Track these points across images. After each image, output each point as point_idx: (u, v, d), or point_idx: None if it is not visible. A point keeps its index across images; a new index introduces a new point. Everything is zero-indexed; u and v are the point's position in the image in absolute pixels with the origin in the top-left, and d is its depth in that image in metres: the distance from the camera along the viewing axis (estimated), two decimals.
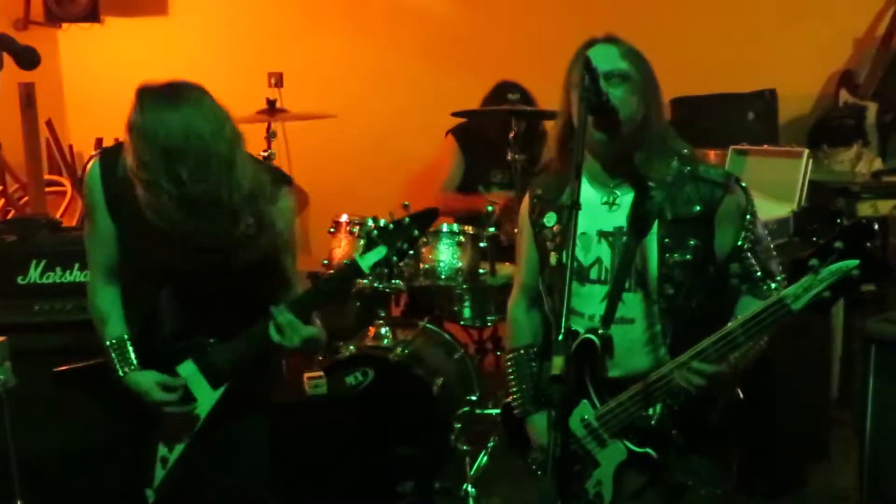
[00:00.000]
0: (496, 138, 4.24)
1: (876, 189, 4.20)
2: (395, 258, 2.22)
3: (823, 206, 4.04)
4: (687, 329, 2.13)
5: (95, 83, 5.31)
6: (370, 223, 3.77)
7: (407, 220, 2.24)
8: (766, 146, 4.32)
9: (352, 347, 3.66)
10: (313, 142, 4.89)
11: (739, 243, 2.16)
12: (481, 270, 3.81)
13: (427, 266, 3.75)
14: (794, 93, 4.68)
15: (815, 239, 1.93)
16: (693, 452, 2.16)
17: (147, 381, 2.28)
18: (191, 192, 2.01)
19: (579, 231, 2.14)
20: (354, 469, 3.34)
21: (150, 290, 2.33)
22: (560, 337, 1.81)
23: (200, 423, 2.33)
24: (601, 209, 2.21)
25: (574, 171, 1.96)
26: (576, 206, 1.91)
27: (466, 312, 3.94)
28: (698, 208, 2.15)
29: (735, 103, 4.64)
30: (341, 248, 3.80)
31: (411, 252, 2.25)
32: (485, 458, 3.67)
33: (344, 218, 3.82)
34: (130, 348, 2.31)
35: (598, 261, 2.20)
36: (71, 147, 5.30)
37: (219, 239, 2.13)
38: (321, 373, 3.38)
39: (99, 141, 4.89)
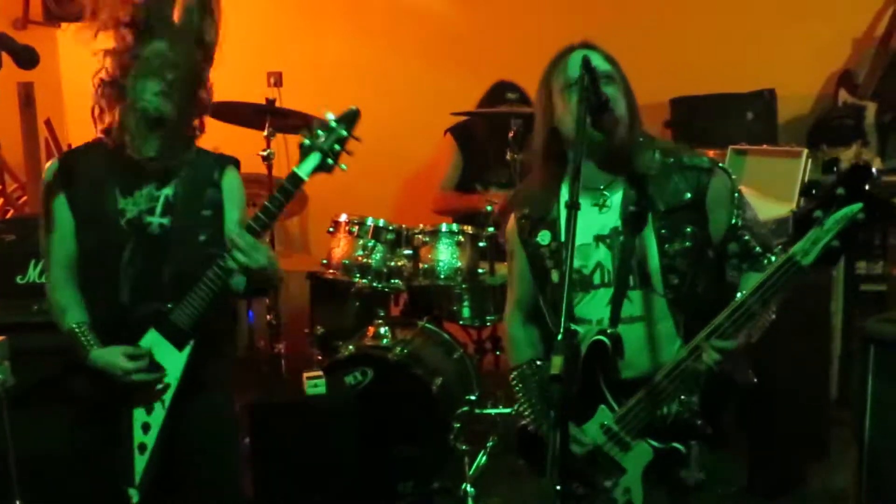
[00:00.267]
0: (494, 138, 4.25)
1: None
2: (329, 161, 2.30)
3: None
4: (697, 316, 2.13)
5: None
6: (369, 222, 3.78)
7: (333, 123, 2.31)
8: (765, 146, 4.32)
9: (351, 347, 3.66)
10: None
11: (734, 222, 2.17)
12: (480, 270, 3.81)
13: (426, 266, 3.75)
14: (794, 93, 4.68)
15: (813, 192, 1.90)
16: (713, 446, 2.15)
17: (112, 353, 2.36)
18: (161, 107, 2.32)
19: (577, 242, 2.15)
20: (354, 469, 3.33)
21: (108, 265, 2.42)
22: (560, 336, 1.81)
23: (174, 388, 2.38)
24: (592, 212, 2.21)
25: (574, 171, 1.96)
26: (575, 206, 1.91)
27: (465, 312, 3.94)
28: (689, 195, 2.16)
29: (734, 103, 4.64)
30: (340, 248, 3.80)
31: (345, 152, 2.33)
32: (484, 458, 3.67)
33: (343, 217, 3.83)
34: (92, 332, 2.41)
35: (599, 265, 2.20)
36: (70, 146, 5.29)
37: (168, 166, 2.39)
38: (320, 373, 3.38)
39: None
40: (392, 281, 3.77)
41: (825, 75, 4.72)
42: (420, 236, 3.79)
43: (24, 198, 4.60)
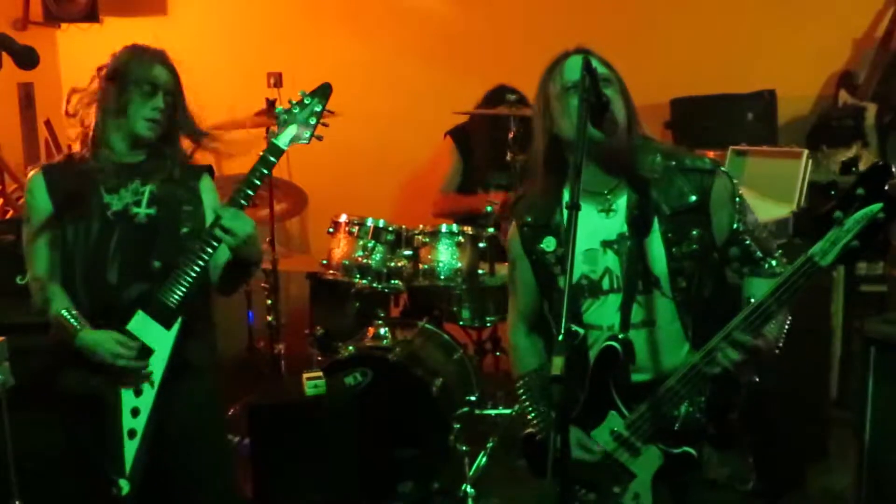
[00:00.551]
0: (494, 140, 4.25)
1: None
2: (306, 133, 2.47)
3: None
4: (705, 319, 2.13)
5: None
6: (369, 223, 3.78)
7: (307, 99, 2.47)
8: (765, 147, 4.32)
9: (351, 348, 3.66)
10: (312, 142, 4.89)
11: (735, 226, 2.17)
12: (480, 271, 3.81)
13: (426, 266, 3.75)
14: (794, 93, 4.68)
15: (832, 193, 1.89)
16: (724, 447, 2.15)
17: (102, 334, 2.41)
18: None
19: (584, 247, 2.16)
20: (354, 470, 3.33)
21: (96, 253, 2.48)
22: (560, 337, 1.80)
23: (163, 368, 2.43)
24: (598, 217, 2.21)
25: (574, 171, 1.95)
26: (576, 207, 1.91)
27: (465, 313, 3.94)
28: (694, 198, 2.16)
29: (734, 104, 4.64)
30: (340, 249, 3.80)
31: (321, 124, 2.49)
32: (484, 459, 3.67)
33: (343, 218, 3.83)
34: (80, 315, 2.44)
35: (608, 271, 2.20)
36: (70, 147, 5.27)
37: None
38: (320, 373, 3.38)
39: None
40: (392, 281, 3.77)
41: (825, 76, 4.72)
42: (420, 237, 3.79)
43: (24, 198, 4.60)
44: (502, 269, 3.77)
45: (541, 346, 2.39)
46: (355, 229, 3.77)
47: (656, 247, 2.16)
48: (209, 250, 2.39)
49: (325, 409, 3.33)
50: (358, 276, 3.75)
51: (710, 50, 4.75)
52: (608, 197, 2.21)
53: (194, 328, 2.50)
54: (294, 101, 2.48)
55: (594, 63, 2.09)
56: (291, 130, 2.46)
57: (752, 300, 2.00)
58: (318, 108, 2.47)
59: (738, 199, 2.19)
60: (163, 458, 2.46)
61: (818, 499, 3.51)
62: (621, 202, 2.20)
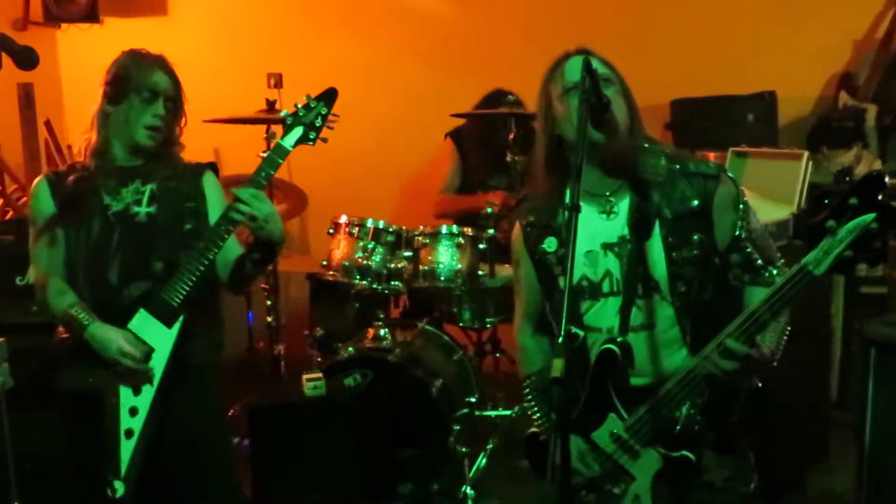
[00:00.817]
0: (488, 142, 4.25)
1: None
2: (311, 134, 2.49)
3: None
4: (704, 324, 2.13)
5: (94, 84, 5.27)
6: (369, 224, 3.77)
7: (313, 102, 2.50)
8: (765, 148, 4.32)
9: (351, 349, 3.66)
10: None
11: (737, 233, 2.16)
12: (480, 272, 3.81)
13: (426, 268, 3.75)
14: (794, 95, 4.68)
15: (826, 202, 1.89)
16: (723, 450, 2.15)
17: (112, 330, 2.40)
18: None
19: (585, 249, 2.16)
20: (353, 471, 3.33)
21: (97, 253, 2.49)
22: (560, 339, 1.80)
23: (162, 368, 2.43)
24: (599, 219, 2.20)
25: (575, 172, 1.96)
26: (576, 208, 1.91)
27: (466, 314, 3.94)
28: (696, 203, 2.16)
29: (735, 105, 4.64)
30: (340, 249, 3.79)
31: (327, 127, 2.51)
32: (484, 460, 3.67)
33: (343, 219, 3.82)
34: (87, 309, 2.44)
35: (608, 273, 2.20)
36: (70, 147, 5.26)
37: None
38: (320, 374, 3.37)
39: None
40: (392, 283, 3.76)
41: (826, 77, 4.72)
42: (420, 238, 3.78)
43: (24, 199, 4.59)
44: (502, 271, 3.77)
45: (547, 345, 2.39)
46: (355, 230, 3.77)
47: (657, 251, 2.15)
48: (212, 251, 2.38)
49: (325, 410, 3.32)
50: (358, 277, 3.75)
51: (710, 51, 4.75)
52: (610, 199, 2.21)
53: (199, 326, 2.49)
54: (300, 104, 2.50)
55: (595, 64, 2.09)
56: (297, 132, 2.49)
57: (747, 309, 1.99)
58: (323, 111, 2.49)
59: (741, 205, 2.18)
60: (164, 458, 2.45)
61: (818, 500, 3.51)
62: (623, 205, 2.20)
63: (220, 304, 2.72)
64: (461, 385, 3.77)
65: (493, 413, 3.89)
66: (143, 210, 2.51)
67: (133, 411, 2.41)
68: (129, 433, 2.40)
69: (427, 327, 3.88)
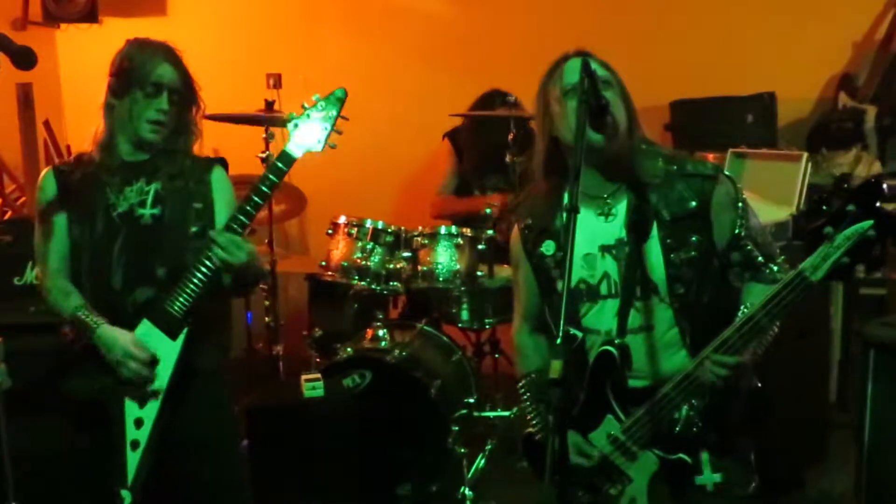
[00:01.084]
0: (483, 143, 4.24)
1: None
2: (320, 141, 2.36)
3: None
4: (703, 325, 2.13)
5: (93, 84, 5.22)
6: (368, 224, 3.77)
7: (322, 103, 2.37)
8: (765, 149, 4.32)
9: (349, 349, 3.65)
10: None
11: (737, 231, 2.16)
12: (479, 273, 3.80)
13: (425, 268, 3.75)
14: (794, 96, 4.68)
15: (824, 208, 1.90)
16: (722, 452, 2.14)
17: (123, 334, 2.37)
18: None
19: (583, 251, 2.16)
20: (352, 471, 3.32)
21: (101, 255, 2.45)
22: (558, 341, 1.80)
23: (167, 380, 2.38)
24: (597, 221, 2.20)
25: (573, 174, 1.95)
26: (574, 210, 1.90)
27: (464, 314, 3.94)
28: (694, 204, 2.15)
29: (734, 106, 4.64)
30: (339, 250, 3.79)
31: (335, 132, 2.39)
32: (482, 461, 3.67)
33: (342, 219, 3.82)
34: (96, 312, 2.41)
35: (606, 275, 2.19)
36: (69, 148, 5.26)
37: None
38: (319, 375, 3.37)
39: None
40: (391, 283, 3.76)
41: (825, 78, 4.72)
42: (419, 238, 3.78)
43: (23, 199, 4.60)
44: (501, 271, 3.77)
45: (544, 346, 2.39)
46: (354, 231, 3.76)
47: (655, 252, 2.15)
48: (215, 263, 2.32)
49: (324, 411, 3.32)
50: (357, 277, 3.74)
51: (709, 52, 4.75)
52: (608, 201, 2.20)
53: (205, 331, 2.44)
54: (308, 106, 2.37)
55: (594, 65, 2.09)
56: (304, 137, 2.35)
57: (747, 307, 2.00)
58: (333, 114, 2.36)
59: (740, 204, 2.17)
60: (173, 465, 2.41)
61: (817, 501, 3.51)
62: (621, 207, 2.19)
63: (228, 308, 2.68)
64: (460, 386, 3.77)
65: (491, 414, 3.89)
66: (147, 212, 2.44)
67: (138, 423, 2.37)
68: (134, 444, 2.37)
69: (426, 328, 3.88)
